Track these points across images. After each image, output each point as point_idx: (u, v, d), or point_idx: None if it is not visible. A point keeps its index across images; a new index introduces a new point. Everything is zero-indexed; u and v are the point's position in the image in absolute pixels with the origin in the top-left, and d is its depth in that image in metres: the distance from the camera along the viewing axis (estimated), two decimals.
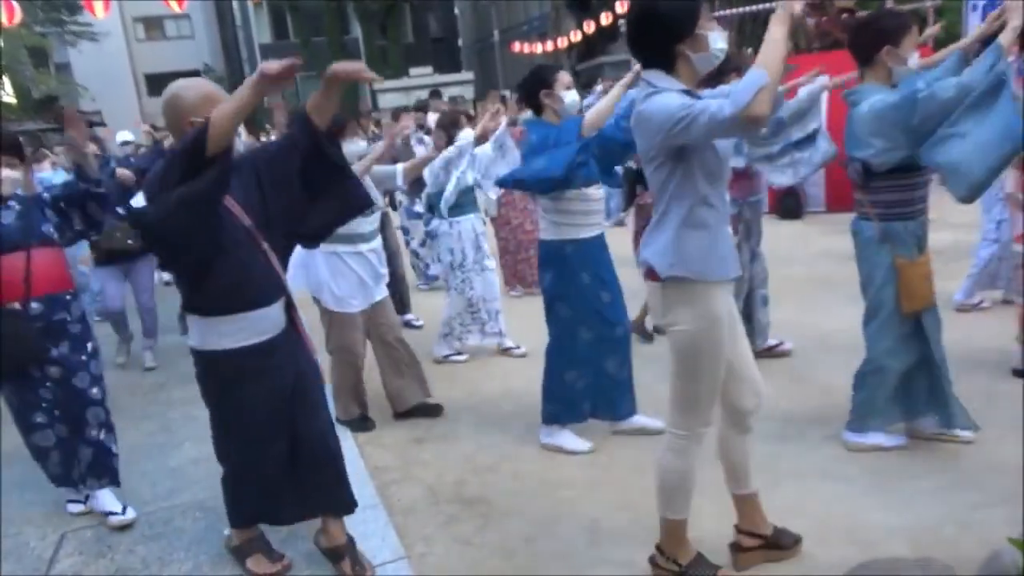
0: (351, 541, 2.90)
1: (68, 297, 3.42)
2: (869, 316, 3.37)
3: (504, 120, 4.97)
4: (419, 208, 7.31)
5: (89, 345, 3.47)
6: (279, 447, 2.73)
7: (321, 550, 2.93)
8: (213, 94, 2.56)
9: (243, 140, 8.33)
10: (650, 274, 2.45)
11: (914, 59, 3.18)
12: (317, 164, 2.61)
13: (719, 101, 2.13)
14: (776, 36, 2.13)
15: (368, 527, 3.09)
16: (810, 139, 4.05)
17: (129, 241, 5.53)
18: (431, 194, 5.29)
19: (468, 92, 20.12)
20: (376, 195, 4.33)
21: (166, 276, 9.53)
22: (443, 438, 4.11)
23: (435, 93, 11.47)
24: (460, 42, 35.89)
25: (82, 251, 5.78)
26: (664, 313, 2.46)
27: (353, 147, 3.99)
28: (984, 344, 4.46)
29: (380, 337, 4.36)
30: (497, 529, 3.14)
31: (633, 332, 4.22)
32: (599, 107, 3.64)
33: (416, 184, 5.55)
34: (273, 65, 2.24)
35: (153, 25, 36.83)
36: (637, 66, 3.09)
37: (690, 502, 2.59)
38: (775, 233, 6.51)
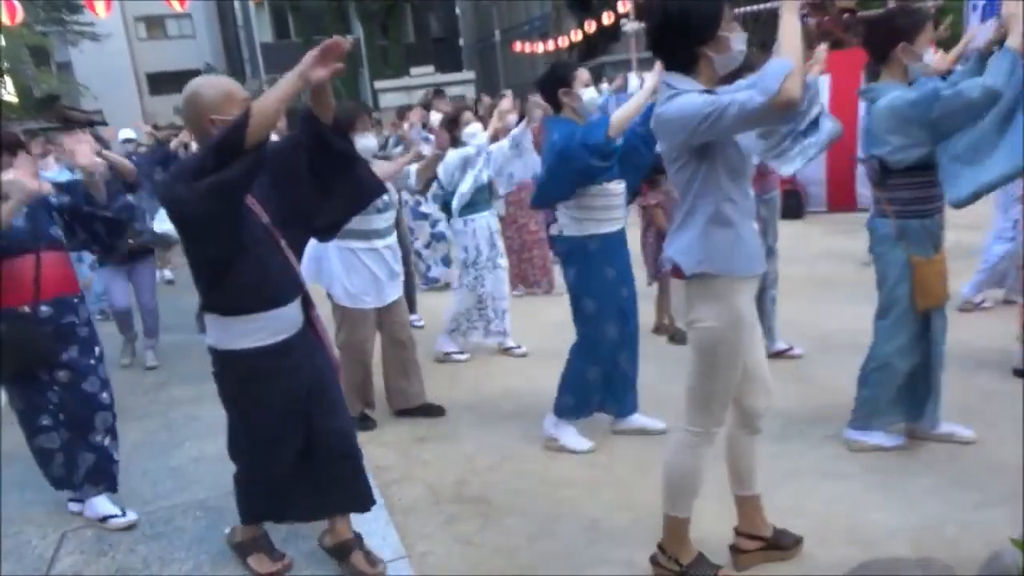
0: (358, 536, 2.91)
1: (76, 300, 3.42)
2: (881, 313, 3.36)
3: (513, 118, 4.96)
4: (425, 208, 7.33)
5: (97, 349, 3.47)
6: (293, 446, 2.73)
7: (327, 549, 2.92)
8: (233, 91, 2.56)
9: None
10: (675, 271, 2.46)
11: (930, 55, 3.17)
12: (325, 157, 2.63)
13: (746, 92, 2.13)
14: (790, 24, 2.15)
15: (369, 526, 3.09)
16: (814, 124, 4.05)
17: (130, 240, 5.53)
18: (446, 193, 5.28)
19: (469, 92, 20.10)
20: (392, 193, 4.32)
21: (168, 276, 9.56)
22: (444, 437, 4.11)
23: (439, 92, 11.46)
24: (461, 42, 35.86)
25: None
26: (688, 310, 2.46)
27: (365, 142, 3.97)
28: (985, 344, 4.46)
29: (392, 335, 4.35)
30: (498, 528, 3.14)
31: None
32: (625, 111, 3.58)
33: (425, 183, 5.54)
34: (313, 69, 2.24)
35: (154, 24, 36.84)
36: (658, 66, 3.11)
37: (693, 502, 2.58)
38: None
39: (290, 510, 2.90)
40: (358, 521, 3.00)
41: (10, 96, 21.02)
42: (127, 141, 8.92)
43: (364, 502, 2.93)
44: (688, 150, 2.32)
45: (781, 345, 4.71)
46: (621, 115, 3.56)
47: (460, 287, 5.31)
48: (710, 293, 2.39)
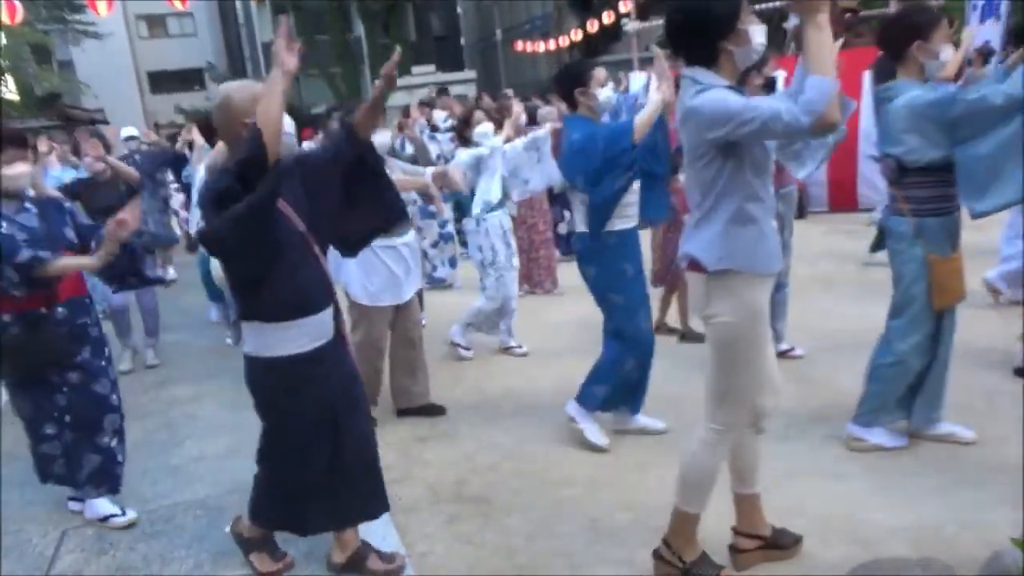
0: (365, 541, 2.90)
1: (87, 301, 3.43)
2: (897, 311, 3.34)
3: (523, 118, 4.96)
4: (434, 208, 7.33)
5: (106, 350, 3.48)
6: (325, 454, 2.71)
7: (340, 566, 2.88)
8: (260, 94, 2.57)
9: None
10: (693, 265, 2.45)
11: (946, 53, 3.17)
12: (359, 174, 2.71)
13: (787, 106, 2.14)
14: (818, 40, 2.14)
15: (369, 526, 3.08)
16: None
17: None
18: (457, 193, 5.26)
19: (471, 91, 20.08)
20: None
21: (171, 275, 9.55)
22: (445, 437, 4.11)
23: (443, 91, 11.48)
24: (463, 41, 35.85)
25: None
26: (705, 304, 2.46)
27: (379, 138, 3.97)
28: (987, 344, 4.45)
29: (404, 334, 4.35)
30: (498, 528, 3.14)
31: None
32: (646, 116, 3.56)
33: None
34: (289, 59, 2.32)
35: (156, 23, 36.81)
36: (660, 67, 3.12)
37: (707, 499, 2.58)
38: None
39: (315, 520, 2.83)
40: None
41: (12, 94, 21.04)
42: (130, 139, 8.93)
43: (381, 509, 2.94)
44: (715, 147, 2.31)
45: (783, 346, 4.71)
46: (644, 123, 3.53)
47: (486, 288, 5.24)
48: (729, 289, 2.39)
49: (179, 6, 10.35)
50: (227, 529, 3.06)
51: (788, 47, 8.31)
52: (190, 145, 7.05)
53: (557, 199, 7.08)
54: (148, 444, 4.34)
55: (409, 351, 4.37)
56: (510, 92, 12.26)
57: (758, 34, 2.32)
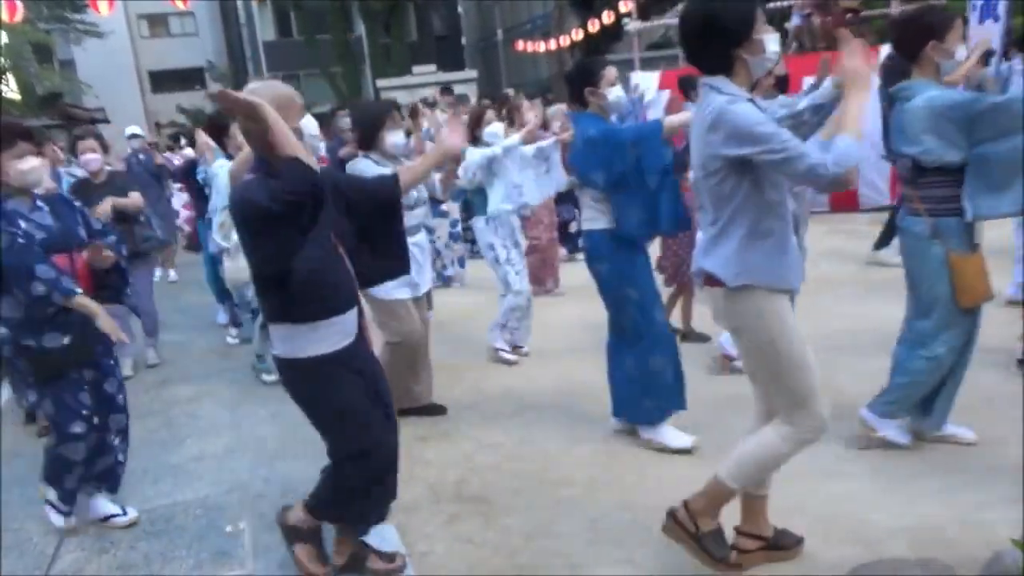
0: (363, 543, 2.88)
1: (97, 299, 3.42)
2: (923, 312, 3.29)
3: (532, 121, 4.97)
4: (445, 207, 7.35)
5: (113, 350, 3.47)
6: (376, 443, 2.69)
7: (340, 568, 2.87)
8: (291, 97, 2.57)
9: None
10: (710, 280, 2.47)
11: (961, 52, 3.16)
12: (381, 218, 2.91)
13: (818, 154, 2.18)
14: (858, 104, 2.27)
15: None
16: None
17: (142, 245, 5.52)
18: (470, 192, 5.24)
19: (472, 90, 20.06)
20: (422, 190, 4.26)
21: (171, 275, 9.55)
22: (445, 437, 4.10)
23: (446, 90, 11.44)
24: (464, 40, 35.83)
25: None
26: (728, 319, 2.50)
27: (394, 138, 3.95)
28: (989, 344, 4.43)
29: None
30: (498, 528, 3.14)
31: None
32: (677, 120, 3.55)
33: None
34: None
35: (157, 22, 36.81)
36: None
37: (753, 483, 2.58)
38: None
39: (375, 508, 2.86)
40: None
41: (13, 93, 21.05)
42: (133, 137, 8.95)
43: (387, 510, 2.97)
44: (731, 163, 2.31)
45: None
46: (674, 128, 3.52)
47: (505, 285, 5.19)
48: (750, 304, 2.42)
49: (180, 5, 10.33)
50: (276, 516, 2.95)
51: (789, 47, 8.31)
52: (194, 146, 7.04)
53: (565, 198, 7.10)
54: (149, 444, 4.34)
55: (417, 350, 4.36)
56: (511, 92, 12.24)
57: (772, 43, 2.34)
